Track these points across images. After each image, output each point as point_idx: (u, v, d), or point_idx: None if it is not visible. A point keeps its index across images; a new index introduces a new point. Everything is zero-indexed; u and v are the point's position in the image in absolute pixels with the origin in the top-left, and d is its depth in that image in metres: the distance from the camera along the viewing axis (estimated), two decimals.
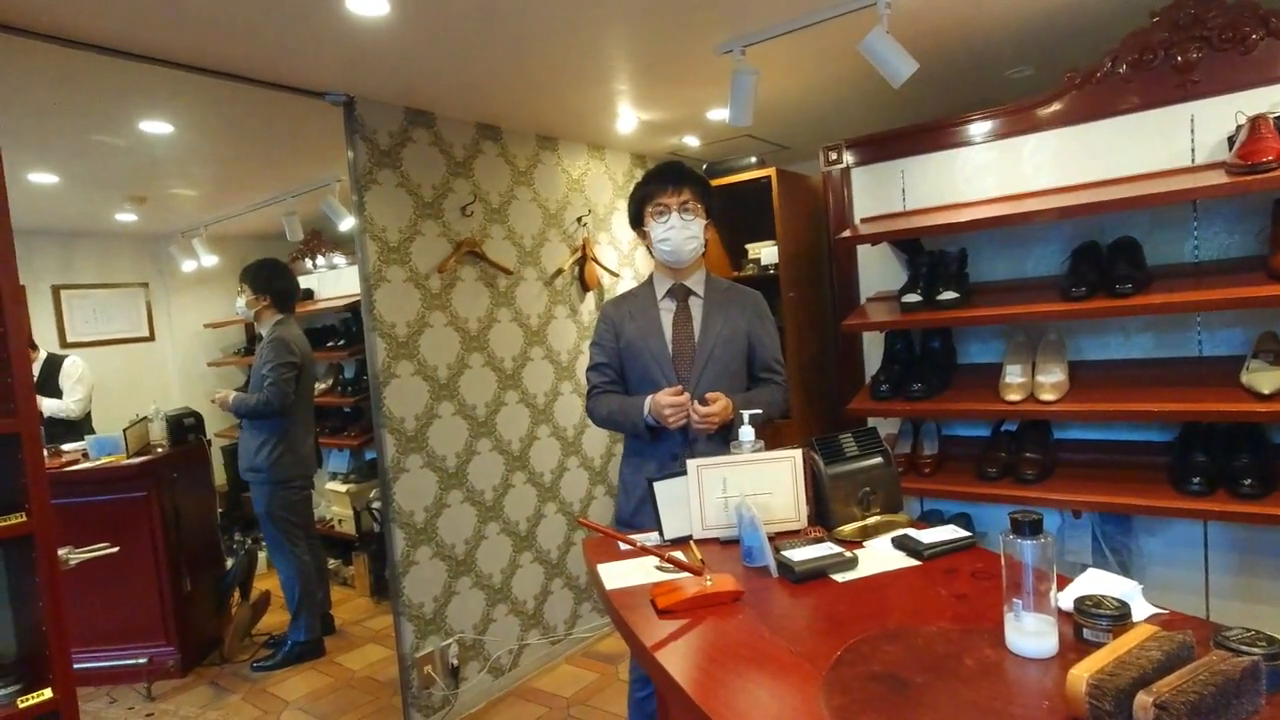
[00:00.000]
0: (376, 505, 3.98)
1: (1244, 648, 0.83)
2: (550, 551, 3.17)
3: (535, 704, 2.82)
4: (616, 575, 1.35)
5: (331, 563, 4.21)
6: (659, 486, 1.48)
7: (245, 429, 3.32)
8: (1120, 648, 0.84)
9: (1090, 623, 0.96)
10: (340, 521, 4.38)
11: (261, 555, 4.12)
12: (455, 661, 2.74)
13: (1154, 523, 2.37)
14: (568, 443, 3.27)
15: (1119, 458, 2.39)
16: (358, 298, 2.64)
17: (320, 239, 4.82)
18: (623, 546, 1.43)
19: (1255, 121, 1.93)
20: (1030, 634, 0.96)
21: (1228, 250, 2.21)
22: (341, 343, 4.38)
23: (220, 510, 4.24)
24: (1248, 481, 1.98)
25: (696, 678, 0.96)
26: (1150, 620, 1.00)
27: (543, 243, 3.21)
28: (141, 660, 3.15)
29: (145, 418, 3.38)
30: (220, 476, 4.60)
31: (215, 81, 2.20)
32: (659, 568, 1.33)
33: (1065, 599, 1.03)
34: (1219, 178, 1.97)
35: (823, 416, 3.52)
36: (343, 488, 4.33)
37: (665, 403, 1.77)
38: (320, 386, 4.51)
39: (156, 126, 2.63)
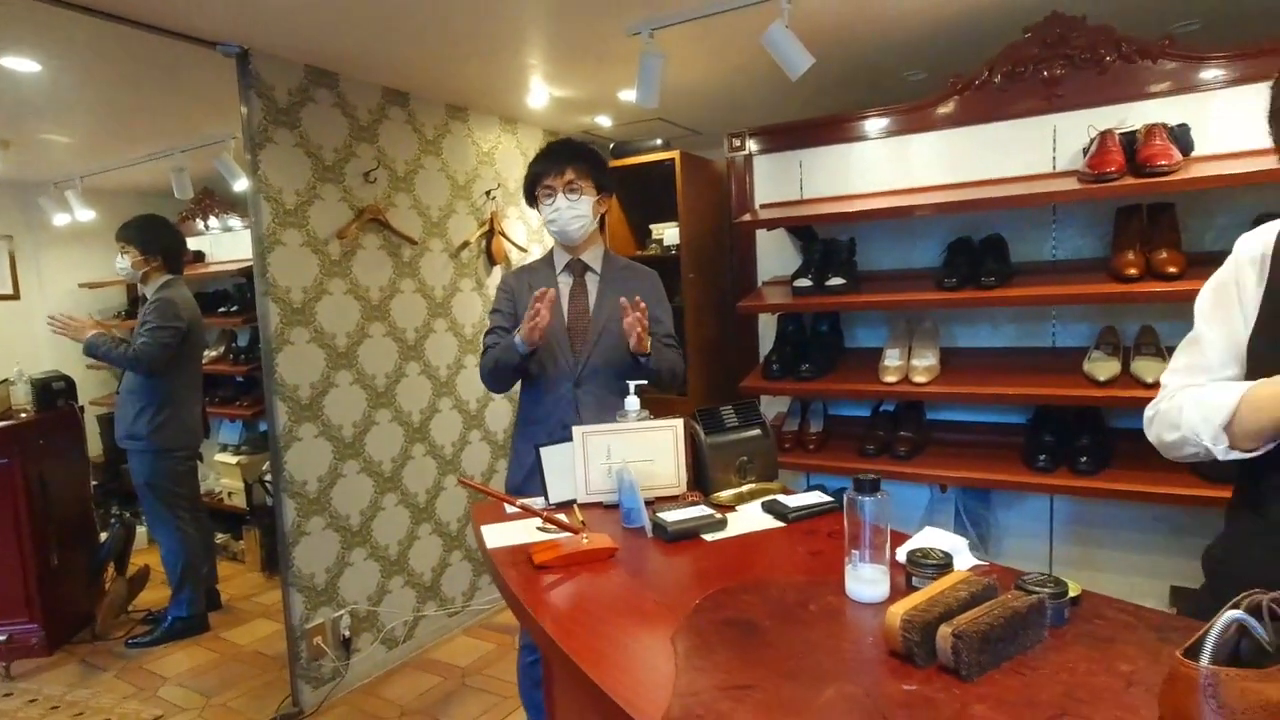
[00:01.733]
0: (269, 478, 3.85)
1: (1034, 588, 0.96)
2: (450, 524, 3.17)
3: (430, 674, 2.83)
4: (499, 536, 1.39)
5: (220, 537, 4.06)
6: (546, 452, 1.53)
7: (124, 394, 3.15)
8: (934, 590, 0.95)
9: (918, 571, 1.08)
10: (230, 494, 4.21)
11: (141, 529, 3.92)
12: (347, 633, 2.72)
13: (1009, 497, 2.60)
14: (470, 415, 3.27)
15: (982, 437, 2.60)
16: (253, 262, 2.54)
17: (213, 199, 4.56)
18: (508, 509, 1.47)
19: (1104, 136, 2.14)
20: (866, 582, 1.07)
21: (1080, 251, 2.44)
22: (234, 309, 4.19)
23: (96, 482, 4.00)
24: (1084, 459, 2.21)
25: (563, 624, 1.03)
26: (971, 570, 1.13)
27: (450, 214, 3.17)
28: (0, 638, 2.95)
29: (6, 380, 3.15)
30: (96, 446, 4.32)
31: (90, 20, 2.05)
32: (541, 529, 1.39)
33: (901, 553, 1.15)
34: (1072, 185, 2.17)
35: (719, 394, 3.64)
36: (234, 459, 4.17)
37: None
38: (211, 354, 4.30)
39: (20, 64, 2.43)
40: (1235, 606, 0.71)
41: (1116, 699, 0.79)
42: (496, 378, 1.97)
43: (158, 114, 3.10)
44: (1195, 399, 1.04)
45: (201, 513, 3.41)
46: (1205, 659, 0.66)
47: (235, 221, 4.52)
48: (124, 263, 3.18)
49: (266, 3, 2.06)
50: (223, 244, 4.65)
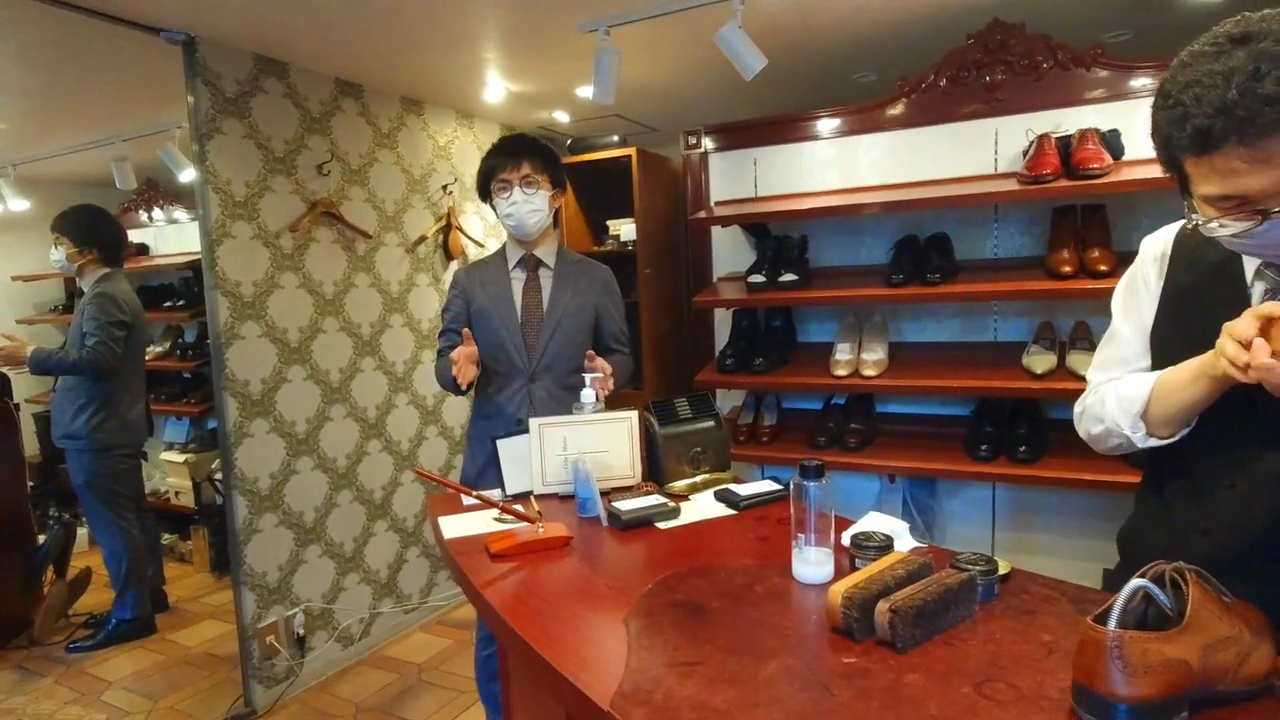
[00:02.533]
0: (219, 476, 3.76)
1: (966, 566, 1.02)
2: (406, 520, 3.15)
3: (385, 671, 2.81)
4: (456, 526, 1.40)
5: (167, 538, 3.95)
6: (503, 444, 1.55)
7: (61, 392, 3.05)
8: (873, 569, 1.00)
9: (860, 553, 1.12)
10: (178, 494, 4.10)
11: (83, 531, 3.79)
12: (301, 631, 2.68)
13: (954, 486, 2.70)
14: (427, 411, 3.25)
15: (928, 429, 2.70)
16: (199, 254, 2.49)
17: (157, 189, 4.43)
18: (464, 500, 1.48)
19: (1041, 139, 2.24)
20: (811, 564, 1.11)
21: (1020, 250, 2.55)
22: (181, 303, 4.08)
23: (32, 483, 3.85)
24: (1023, 449, 2.31)
25: (518, 610, 1.05)
26: (911, 552, 1.19)
27: (406, 208, 3.14)
28: None
29: None
30: (32, 446, 4.17)
31: (25, 1, 1.98)
32: (497, 519, 1.40)
33: (846, 537, 1.20)
34: (1012, 185, 2.26)
35: (673, 387, 3.69)
36: (181, 458, 4.06)
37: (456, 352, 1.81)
38: (156, 350, 4.18)
39: None
40: (1143, 576, 0.77)
41: (1037, 665, 0.85)
42: (448, 389, 2.00)
43: (98, 101, 3.00)
44: (1115, 392, 1.10)
45: (146, 513, 3.32)
46: (1113, 623, 0.72)
47: (181, 214, 4.39)
48: (58, 254, 3.07)
49: None
50: (168, 236, 4.51)
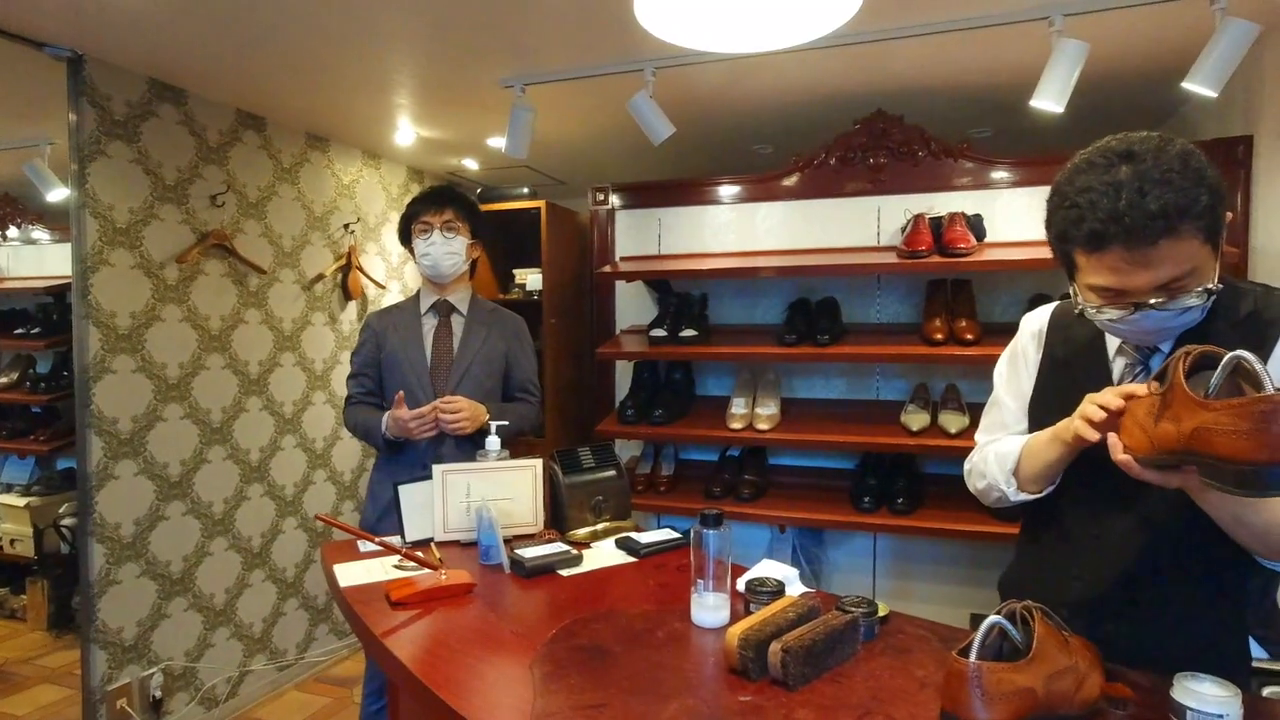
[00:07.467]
0: (68, 522, 3.41)
1: (850, 609, 1.10)
2: (286, 570, 2.97)
3: None
4: (353, 574, 1.36)
5: None
6: (404, 490, 1.52)
7: None
8: (767, 612, 1.06)
9: (755, 598, 1.19)
10: (14, 542, 3.67)
11: None
12: (159, 693, 2.45)
13: (839, 536, 2.85)
14: (315, 455, 3.10)
15: (816, 481, 2.84)
16: (65, 280, 2.32)
17: (15, 206, 4.07)
18: (363, 548, 1.44)
19: (917, 219, 2.48)
20: (709, 608, 1.16)
21: (899, 316, 2.78)
22: (36, 331, 3.71)
23: None
24: (901, 501, 2.48)
25: (421, 657, 1.04)
26: (801, 596, 1.26)
27: (304, 245, 3.05)
28: None
29: None
30: None
31: None
32: (397, 566, 1.37)
33: (741, 583, 1.27)
34: (892, 259, 2.49)
35: (575, 436, 3.71)
36: (21, 501, 3.64)
37: (407, 416, 1.83)
38: (1, 380, 3.79)
39: None
40: (998, 614, 0.87)
41: (911, 698, 0.93)
42: (369, 442, 2.02)
43: None
44: (994, 451, 1.23)
45: None
46: (973, 656, 0.81)
47: (42, 234, 4.04)
48: None
49: (111, 9, 1.94)
50: (24, 257, 4.12)
